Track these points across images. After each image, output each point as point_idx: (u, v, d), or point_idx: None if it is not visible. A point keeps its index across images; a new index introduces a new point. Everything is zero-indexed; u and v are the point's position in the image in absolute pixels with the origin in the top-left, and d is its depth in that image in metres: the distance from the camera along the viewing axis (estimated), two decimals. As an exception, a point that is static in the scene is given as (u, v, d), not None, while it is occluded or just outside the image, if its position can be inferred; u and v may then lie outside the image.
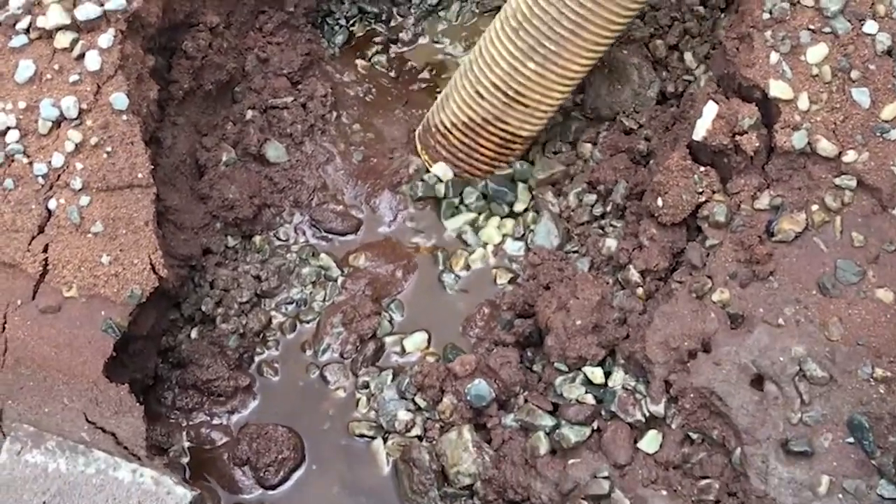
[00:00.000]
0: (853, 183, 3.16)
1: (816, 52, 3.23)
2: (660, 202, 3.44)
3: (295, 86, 4.27)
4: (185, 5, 3.86)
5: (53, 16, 3.30)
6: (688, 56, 4.08)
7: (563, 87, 3.72)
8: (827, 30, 3.25)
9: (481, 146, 3.96)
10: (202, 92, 3.99)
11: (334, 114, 4.28)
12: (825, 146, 3.16)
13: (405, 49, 4.61)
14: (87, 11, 3.30)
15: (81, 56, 3.30)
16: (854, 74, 3.21)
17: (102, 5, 3.32)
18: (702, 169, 3.38)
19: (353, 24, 4.64)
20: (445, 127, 3.99)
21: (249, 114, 4.12)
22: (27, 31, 3.34)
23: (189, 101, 3.94)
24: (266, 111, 4.16)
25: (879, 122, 3.17)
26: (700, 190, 3.36)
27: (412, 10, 4.67)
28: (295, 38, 4.34)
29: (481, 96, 3.80)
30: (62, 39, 3.31)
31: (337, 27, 4.61)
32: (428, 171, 4.12)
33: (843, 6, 3.23)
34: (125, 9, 3.34)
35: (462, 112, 3.90)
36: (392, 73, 4.52)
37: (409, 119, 4.35)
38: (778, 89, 3.23)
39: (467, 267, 3.97)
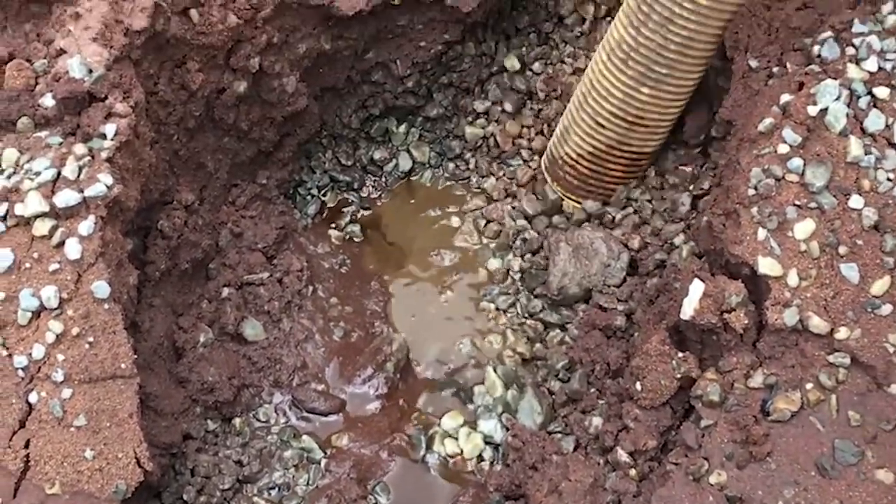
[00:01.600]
0: (847, 360, 3.13)
1: (804, 228, 3.22)
2: (638, 386, 3.43)
3: (270, 260, 4.23)
4: (160, 184, 3.82)
5: (32, 203, 3.22)
6: (667, 227, 4.08)
7: (679, 102, 3.94)
8: (813, 205, 3.24)
9: (610, 170, 4.22)
10: (178, 271, 3.93)
11: (311, 288, 4.24)
12: (817, 323, 3.13)
13: (378, 217, 4.59)
14: (66, 198, 3.21)
15: (61, 244, 3.21)
16: (842, 250, 3.19)
17: (82, 192, 3.24)
18: (680, 355, 3.35)
19: (325, 194, 4.64)
20: (572, 158, 4.25)
21: (225, 291, 4.07)
22: (4, 218, 3.25)
23: (165, 281, 3.88)
24: (242, 287, 4.11)
25: (870, 298, 3.15)
26: (679, 375, 3.34)
27: (384, 178, 4.67)
28: (268, 210, 4.32)
29: (602, 126, 4.04)
30: (41, 227, 3.22)
31: (309, 197, 4.61)
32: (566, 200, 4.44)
33: (827, 181, 3.24)
34: (105, 195, 3.26)
35: (585, 143, 4.15)
36: (366, 242, 4.50)
37: (385, 290, 4.31)
38: (767, 266, 3.21)
39: (449, 447, 3.90)
